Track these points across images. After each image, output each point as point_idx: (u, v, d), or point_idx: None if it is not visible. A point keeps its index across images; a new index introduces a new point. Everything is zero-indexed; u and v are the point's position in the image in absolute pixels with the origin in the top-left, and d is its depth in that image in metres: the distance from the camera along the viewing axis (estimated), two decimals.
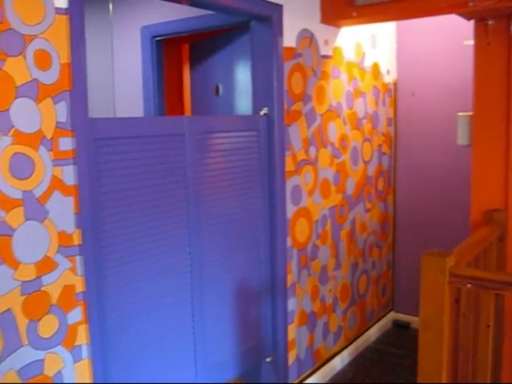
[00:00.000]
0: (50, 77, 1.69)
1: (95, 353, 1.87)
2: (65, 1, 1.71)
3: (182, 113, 3.68)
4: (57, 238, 1.74)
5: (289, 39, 2.67)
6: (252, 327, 2.69)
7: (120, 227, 2.02)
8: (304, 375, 3.01)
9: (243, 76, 3.08)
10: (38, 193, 1.67)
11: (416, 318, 3.78)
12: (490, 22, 2.51)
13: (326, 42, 2.99)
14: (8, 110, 1.57)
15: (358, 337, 3.56)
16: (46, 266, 1.71)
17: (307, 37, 2.81)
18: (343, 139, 3.22)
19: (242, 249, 2.58)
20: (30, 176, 1.65)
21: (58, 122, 1.72)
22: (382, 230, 3.80)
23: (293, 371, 2.90)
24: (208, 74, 3.32)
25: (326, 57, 2.99)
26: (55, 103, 1.71)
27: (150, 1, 3.31)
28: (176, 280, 2.25)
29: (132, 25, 3.41)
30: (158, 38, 3.35)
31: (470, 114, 2.69)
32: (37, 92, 1.65)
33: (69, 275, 1.78)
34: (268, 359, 2.79)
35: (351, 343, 3.47)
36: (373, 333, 3.73)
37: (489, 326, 2.02)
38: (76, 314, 1.81)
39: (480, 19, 2.56)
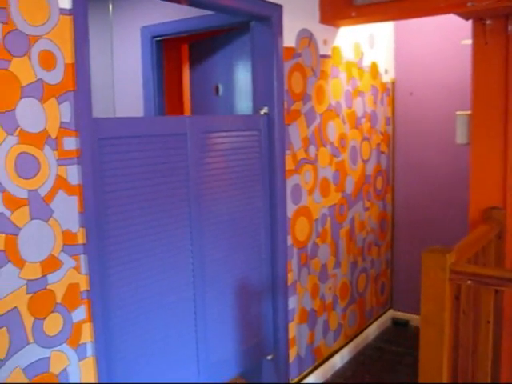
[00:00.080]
0: (54, 77, 1.70)
1: (99, 351, 1.88)
2: (69, 2, 1.72)
3: (181, 113, 3.69)
4: (61, 236, 1.75)
5: (288, 39, 2.69)
6: (253, 325, 2.71)
7: (123, 226, 2.03)
8: (304, 373, 3.03)
9: (243, 76, 3.09)
10: (42, 192, 1.69)
11: (415, 316, 3.82)
12: (488, 22, 2.53)
13: (325, 42, 3.01)
14: (14, 109, 1.59)
15: (358, 335, 3.58)
16: (51, 264, 1.72)
17: (306, 37, 2.83)
18: (342, 138, 3.24)
19: (243, 247, 2.60)
20: (35, 175, 1.66)
21: (62, 122, 1.73)
22: (381, 229, 3.82)
23: (293, 369, 2.92)
24: (208, 73, 3.33)
25: (325, 56, 3.01)
26: (59, 103, 1.72)
27: (149, 1, 3.32)
28: (178, 278, 2.27)
29: (132, 25, 3.42)
30: (157, 38, 3.36)
31: (469, 112, 2.72)
32: (42, 92, 1.66)
33: (73, 274, 1.80)
34: (269, 357, 2.81)
35: (351, 341, 3.49)
36: (372, 331, 3.76)
37: (489, 322, 2.04)
38: (80, 313, 1.83)
39: (478, 19, 2.58)
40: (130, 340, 2.07)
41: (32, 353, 1.68)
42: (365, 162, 3.53)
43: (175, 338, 2.27)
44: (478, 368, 2.22)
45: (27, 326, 1.66)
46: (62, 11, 1.71)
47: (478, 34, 2.60)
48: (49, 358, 1.73)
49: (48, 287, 1.72)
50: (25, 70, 1.62)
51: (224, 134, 2.47)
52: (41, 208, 1.68)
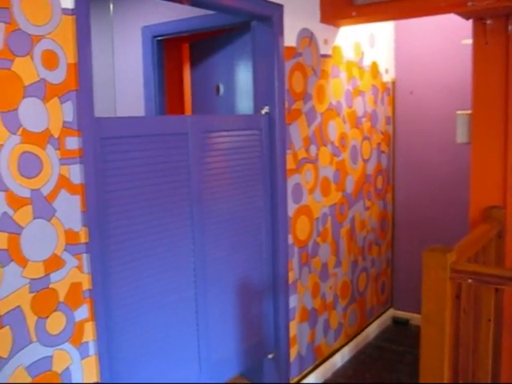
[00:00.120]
0: (57, 76, 1.71)
1: (102, 349, 1.89)
2: (71, 2, 1.73)
3: (182, 112, 3.69)
4: (64, 236, 1.76)
5: (289, 39, 2.70)
6: (254, 324, 2.72)
7: (125, 225, 2.04)
8: (305, 372, 3.04)
9: (244, 76, 3.10)
10: (45, 191, 1.69)
11: (415, 315, 3.83)
12: (489, 22, 2.54)
13: (326, 42, 3.01)
14: (17, 109, 1.59)
15: (358, 333, 3.59)
16: (53, 263, 1.73)
17: (307, 36, 2.84)
18: (343, 138, 3.24)
19: (245, 246, 2.61)
20: (38, 175, 1.67)
21: (64, 122, 1.74)
22: (381, 228, 3.83)
23: (294, 368, 2.93)
24: (209, 73, 3.34)
25: (325, 56, 3.02)
26: (62, 103, 1.73)
27: (150, 1, 3.32)
28: (179, 278, 2.28)
29: (133, 25, 3.42)
30: (158, 38, 3.37)
31: (469, 112, 2.73)
32: (44, 92, 1.67)
33: (76, 273, 1.80)
34: (270, 356, 2.82)
35: (351, 340, 3.50)
36: (372, 330, 3.77)
37: (490, 320, 2.05)
38: (83, 312, 1.83)
39: (478, 19, 2.58)
40: (132, 339, 2.08)
41: (35, 351, 1.69)
42: (365, 161, 3.54)
43: (176, 336, 2.27)
44: (479, 367, 2.23)
45: (30, 325, 1.67)
46: (65, 11, 1.72)
47: (479, 34, 2.60)
48: (51, 356, 1.74)
49: (51, 286, 1.73)
50: (27, 69, 1.62)
51: (225, 133, 2.48)
52: (43, 207, 1.69)
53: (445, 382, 1.86)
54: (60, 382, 1.77)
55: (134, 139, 2.05)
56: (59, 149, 1.73)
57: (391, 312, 4.04)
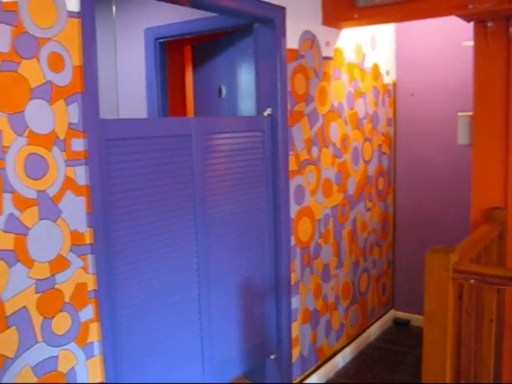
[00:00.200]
0: (62, 79, 1.72)
1: (107, 350, 1.90)
2: (77, 5, 1.74)
3: (184, 114, 3.71)
4: (69, 237, 1.77)
5: (291, 41, 2.71)
6: (257, 325, 2.73)
7: (128, 227, 2.05)
8: (307, 372, 3.05)
9: (246, 78, 3.12)
10: (51, 192, 1.70)
11: (416, 316, 3.84)
12: (490, 24, 2.56)
13: (328, 44, 3.03)
14: (23, 111, 1.61)
15: (360, 334, 3.60)
16: (59, 264, 1.74)
17: (309, 38, 2.86)
18: (344, 139, 3.26)
19: (247, 248, 2.62)
20: (44, 176, 1.68)
21: (70, 123, 1.75)
22: (383, 229, 3.84)
23: (296, 368, 2.94)
24: (211, 75, 3.35)
25: (327, 58, 3.04)
26: (68, 104, 1.74)
27: (153, 3, 3.34)
28: (183, 278, 2.29)
29: (135, 27, 3.44)
30: (161, 40, 3.38)
31: (470, 113, 2.74)
32: (50, 94, 1.68)
33: (81, 274, 1.82)
34: (272, 356, 2.83)
35: (353, 341, 3.51)
36: (374, 330, 3.78)
37: (492, 321, 2.06)
38: (88, 312, 1.84)
39: (479, 21, 2.60)
40: (136, 339, 2.09)
41: (41, 351, 1.70)
42: (366, 162, 3.55)
43: (180, 337, 2.28)
44: (481, 367, 2.24)
45: (36, 325, 1.68)
46: (70, 14, 1.74)
47: (480, 36, 2.62)
48: (57, 356, 1.75)
49: (56, 287, 1.74)
50: (34, 71, 1.64)
51: (228, 135, 2.49)
52: (49, 208, 1.70)
53: (447, 382, 1.87)
54: (65, 381, 1.78)
55: (138, 141, 2.06)
56: (65, 150, 1.74)
57: (392, 313, 4.05)
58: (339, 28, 3.10)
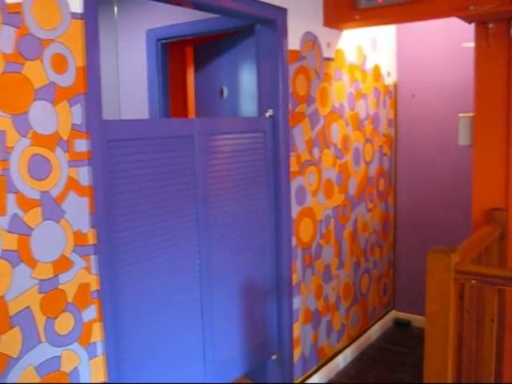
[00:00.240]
0: (66, 80, 1.73)
1: (109, 350, 1.91)
2: (80, 6, 1.75)
3: (186, 115, 3.72)
4: (72, 237, 1.78)
5: (293, 42, 2.72)
6: (258, 325, 2.74)
7: (131, 227, 2.06)
8: (309, 373, 3.05)
9: (247, 79, 3.12)
10: (54, 193, 1.71)
11: (417, 317, 3.85)
12: (491, 26, 2.56)
13: (329, 45, 3.04)
14: (27, 112, 1.62)
15: (361, 335, 3.61)
16: (62, 264, 1.75)
17: (311, 40, 2.87)
18: (345, 140, 3.27)
19: (249, 248, 2.63)
20: (47, 177, 1.69)
21: (73, 124, 1.76)
22: (383, 230, 3.85)
23: (298, 369, 2.95)
24: (212, 76, 3.36)
25: (328, 59, 3.04)
26: (71, 106, 1.75)
27: (155, 4, 3.35)
28: (185, 279, 2.30)
29: (137, 28, 3.45)
30: (163, 41, 3.39)
31: (471, 114, 2.75)
32: (54, 95, 1.69)
33: (84, 274, 1.82)
34: (274, 357, 2.84)
35: (354, 341, 3.51)
36: (374, 331, 3.78)
37: (493, 321, 2.07)
38: (91, 312, 1.85)
39: (480, 22, 2.61)
40: (138, 339, 2.10)
41: (44, 351, 1.71)
42: (367, 163, 3.56)
43: (182, 337, 2.29)
44: (482, 367, 2.25)
45: (39, 326, 1.69)
46: (74, 15, 1.74)
47: (481, 38, 2.63)
48: (60, 356, 1.76)
49: (59, 287, 1.74)
50: (37, 73, 1.64)
51: (230, 136, 2.50)
52: (53, 209, 1.71)
53: (449, 382, 1.87)
54: (68, 381, 1.79)
55: (140, 141, 2.07)
56: (68, 151, 1.75)
57: (393, 314, 4.06)
58: (340, 29, 3.11)
